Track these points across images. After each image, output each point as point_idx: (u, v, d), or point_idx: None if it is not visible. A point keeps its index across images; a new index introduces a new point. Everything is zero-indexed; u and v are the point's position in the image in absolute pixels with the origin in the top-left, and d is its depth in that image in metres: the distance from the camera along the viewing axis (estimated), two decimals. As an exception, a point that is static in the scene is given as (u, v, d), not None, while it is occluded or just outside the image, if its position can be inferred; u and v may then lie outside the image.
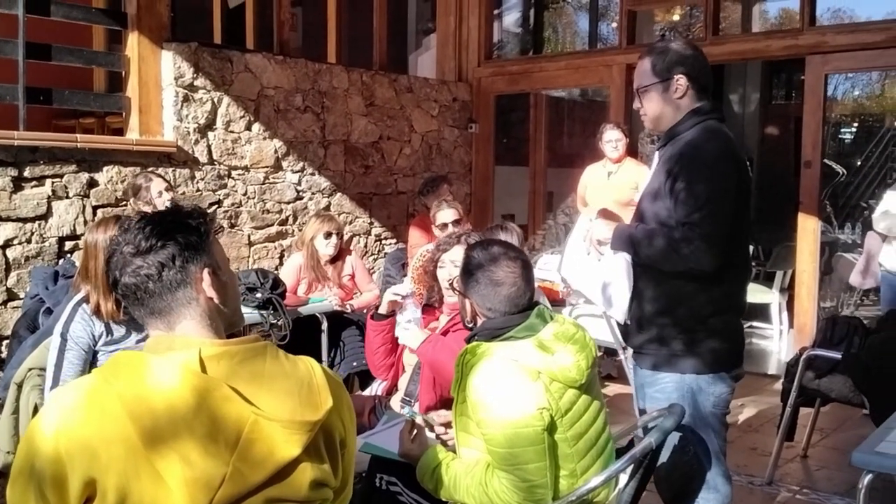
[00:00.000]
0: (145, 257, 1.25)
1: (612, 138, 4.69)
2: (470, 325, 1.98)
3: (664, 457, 2.03)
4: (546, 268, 4.85)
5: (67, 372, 2.45)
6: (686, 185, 2.00)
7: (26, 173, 3.76)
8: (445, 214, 3.95)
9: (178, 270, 1.26)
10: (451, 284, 2.40)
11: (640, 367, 2.21)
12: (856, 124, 10.40)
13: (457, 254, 2.51)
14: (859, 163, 9.10)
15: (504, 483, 1.74)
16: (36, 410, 2.64)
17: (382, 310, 2.55)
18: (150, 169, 4.11)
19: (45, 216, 3.83)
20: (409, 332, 2.42)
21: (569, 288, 3.95)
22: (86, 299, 2.51)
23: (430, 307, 2.66)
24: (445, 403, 2.26)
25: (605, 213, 3.13)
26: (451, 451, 1.91)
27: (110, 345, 2.50)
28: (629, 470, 1.83)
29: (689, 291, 2.08)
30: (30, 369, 2.74)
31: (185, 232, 1.28)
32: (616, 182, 4.72)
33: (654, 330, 2.13)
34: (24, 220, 3.76)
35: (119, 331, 2.51)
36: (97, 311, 2.45)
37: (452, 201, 4.17)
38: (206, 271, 1.28)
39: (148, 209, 3.55)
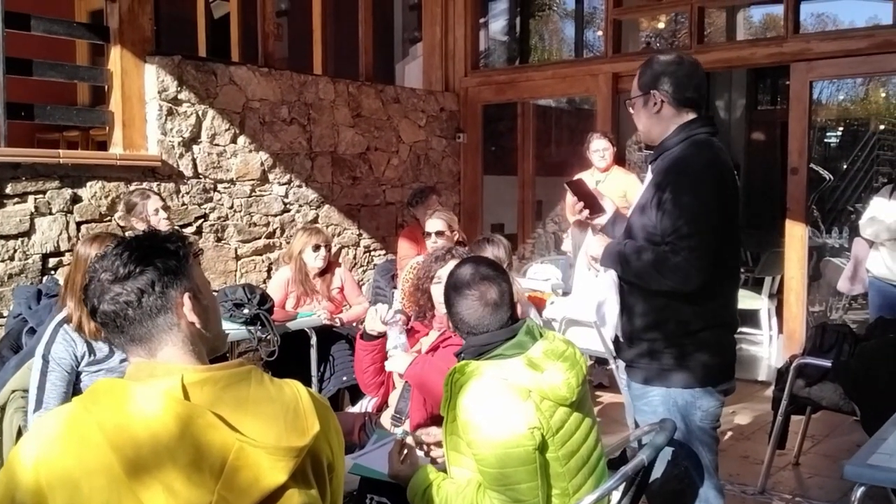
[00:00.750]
0: (124, 284, 1.23)
1: (598, 147, 4.69)
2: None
3: (656, 471, 2.01)
4: (536, 277, 4.85)
5: (51, 394, 2.41)
6: (672, 200, 2.00)
7: (8, 190, 3.71)
8: (432, 224, 3.95)
9: (158, 296, 1.24)
10: None
11: (632, 381, 2.20)
12: (841, 129, 10.50)
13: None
14: (845, 167, 9.18)
15: (495, 503, 1.71)
16: (20, 433, 2.60)
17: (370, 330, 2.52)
18: (145, 185, 4.08)
19: (27, 233, 3.78)
20: (395, 359, 2.39)
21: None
22: (67, 319, 2.47)
23: (419, 322, 2.64)
24: (436, 420, 2.24)
25: (579, 224, 3.14)
26: (441, 471, 1.89)
27: (93, 364, 2.46)
28: (621, 487, 1.81)
29: (679, 306, 2.07)
30: (13, 391, 2.70)
31: (164, 256, 1.26)
32: (604, 190, 4.69)
33: (644, 344, 2.13)
34: (7, 238, 3.71)
35: (102, 350, 2.47)
36: (79, 328, 2.42)
37: (446, 210, 4.13)
38: (186, 296, 1.26)
39: (142, 226, 3.52)
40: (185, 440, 1.14)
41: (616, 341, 2.24)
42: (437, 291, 2.51)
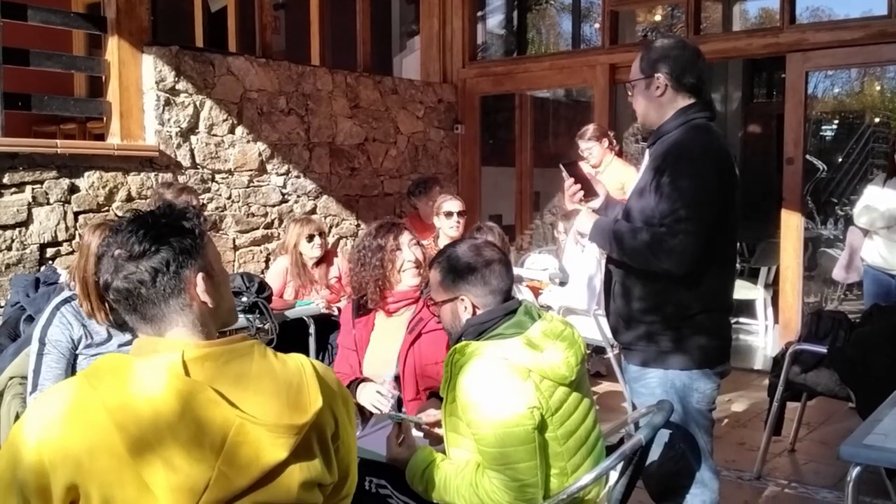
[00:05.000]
0: (138, 262, 1.21)
1: (583, 148, 4.69)
2: (454, 336, 1.91)
3: (652, 453, 2.03)
4: (533, 267, 4.87)
5: (46, 376, 2.40)
6: (670, 183, 2.01)
7: (6, 180, 3.71)
8: (451, 204, 4.00)
9: (172, 276, 1.22)
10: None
11: (630, 363, 2.22)
12: (836, 121, 10.52)
13: (410, 235, 2.46)
14: (840, 159, 9.20)
15: (495, 483, 1.73)
16: (17, 419, 2.60)
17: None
18: (172, 180, 4.09)
19: (25, 223, 3.78)
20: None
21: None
22: (64, 302, 2.47)
23: (364, 308, 2.51)
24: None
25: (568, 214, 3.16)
26: (440, 452, 1.90)
27: (91, 348, 2.45)
28: (619, 467, 1.83)
29: (677, 289, 2.08)
30: (11, 378, 2.70)
31: (180, 235, 1.25)
32: (601, 182, 4.73)
33: (642, 327, 2.14)
34: (4, 227, 3.71)
35: (100, 334, 2.46)
36: (91, 316, 2.42)
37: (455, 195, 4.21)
38: (199, 276, 1.25)
39: None
40: (186, 416, 1.15)
41: (615, 325, 2.26)
42: (411, 254, 2.41)
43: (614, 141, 4.79)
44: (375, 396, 2.31)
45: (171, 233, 1.24)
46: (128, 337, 2.49)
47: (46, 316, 2.46)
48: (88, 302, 2.38)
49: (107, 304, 2.37)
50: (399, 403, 2.34)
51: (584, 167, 4.83)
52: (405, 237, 2.48)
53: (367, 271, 2.43)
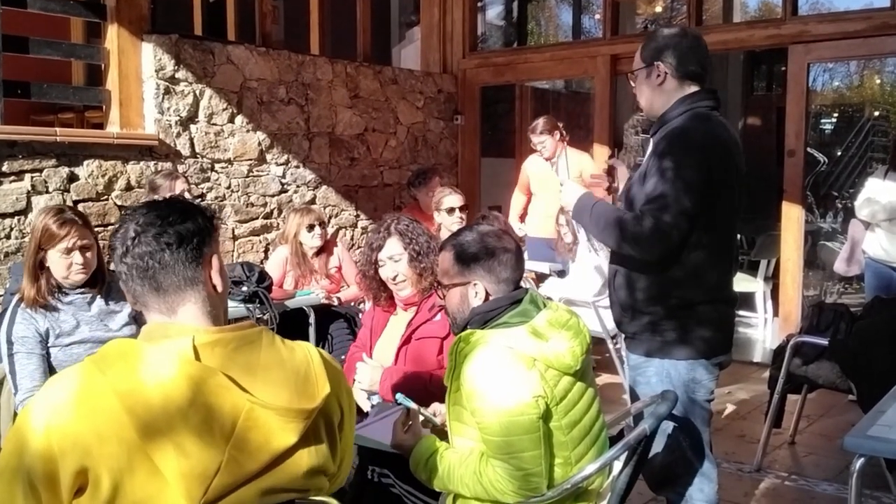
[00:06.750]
0: (167, 227, 1.23)
1: (536, 142, 4.76)
2: (459, 323, 1.90)
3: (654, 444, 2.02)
4: (533, 258, 4.87)
5: (22, 374, 2.32)
6: (659, 168, 2.02)
7: (4, 168, 3.68)
8: (453, 199, 3.96)
9: (195, 248, 1.25)
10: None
11: (632, 353, 2.22)
12: (836, 115, 10.52)
13: (393, 247, 2.45)
14: (839, 152, 9.21)
15: (499, 472, 1.72)
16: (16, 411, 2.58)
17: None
18: (170, 167, 4.06)
19: (24, 211, 3.76)
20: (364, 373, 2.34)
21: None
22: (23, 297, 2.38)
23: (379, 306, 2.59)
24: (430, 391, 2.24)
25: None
26: (444, 441, 1.89)
27: (62, 337, 2.37)
28: (623, 457, 1.82)
29: (680, 280, 2.08)
30: (9, 367, 2.68)
31: (202, 217, 1.29)
32: (561, 170, 4.81)
33: (646, 317, 2.14)
34: (3, 216, 3.69)
35: (68, 322, 2.38)
36: (27, 300, 2.34)
37: (455, 188, 4.16)
38: (215, 257, 1.28)
39: None
40: (197, 401, 1.15)
41: (619, 316, 2.26)
42: (388, 272, 2.45)
43: (565, 133, 4.86)
44: (361, 394, 2.35)
45: (197, 212, 1.28)
46: (94, 321, 2.41)
47: (9, 315, 2.36)
48: (29, 287, 2.32)
49: (42, 284, 2.33)
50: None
51: (541, 162, 4.85)
52: (386, 251, 2.46)
53: (371, 280, 2.51)
